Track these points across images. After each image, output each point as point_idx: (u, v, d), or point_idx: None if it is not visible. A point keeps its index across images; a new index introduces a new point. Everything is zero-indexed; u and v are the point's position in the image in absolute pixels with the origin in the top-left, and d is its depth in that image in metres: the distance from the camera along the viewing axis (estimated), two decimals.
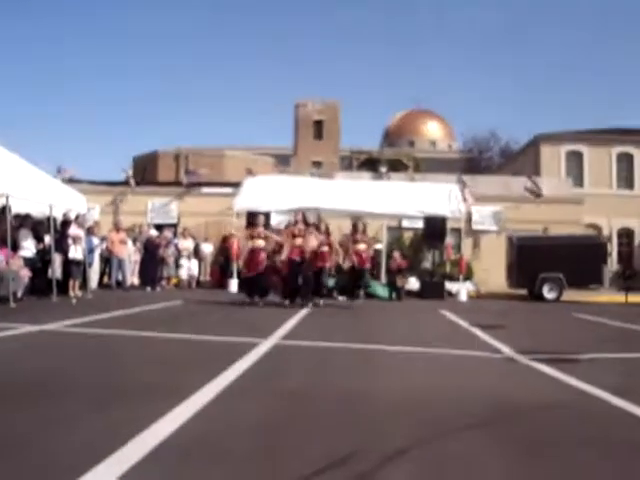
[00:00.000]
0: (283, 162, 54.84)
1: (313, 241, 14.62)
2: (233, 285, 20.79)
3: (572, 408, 4.72)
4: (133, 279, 21.17)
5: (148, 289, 20.11)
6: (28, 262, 13.94)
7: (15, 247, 13.60)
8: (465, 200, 22.12)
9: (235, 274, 21.12)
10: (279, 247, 15.08)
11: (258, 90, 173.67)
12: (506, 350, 7.86)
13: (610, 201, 36.51)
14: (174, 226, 26.71)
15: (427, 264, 25.27)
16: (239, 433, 3.74)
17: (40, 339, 7.91)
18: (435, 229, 20.97)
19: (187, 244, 23.66)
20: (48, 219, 14.62)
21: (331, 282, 17.82)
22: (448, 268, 23.62)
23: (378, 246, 21.14)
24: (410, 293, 20.98)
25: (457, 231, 24.56)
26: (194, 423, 3.86)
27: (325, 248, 14.96)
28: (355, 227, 16.03)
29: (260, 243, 14.74)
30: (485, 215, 29.55)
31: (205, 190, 29.27)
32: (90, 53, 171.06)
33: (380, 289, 19.96)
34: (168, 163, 44.07)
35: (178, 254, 22.86)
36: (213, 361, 6.30)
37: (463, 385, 5.67)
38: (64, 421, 3.85)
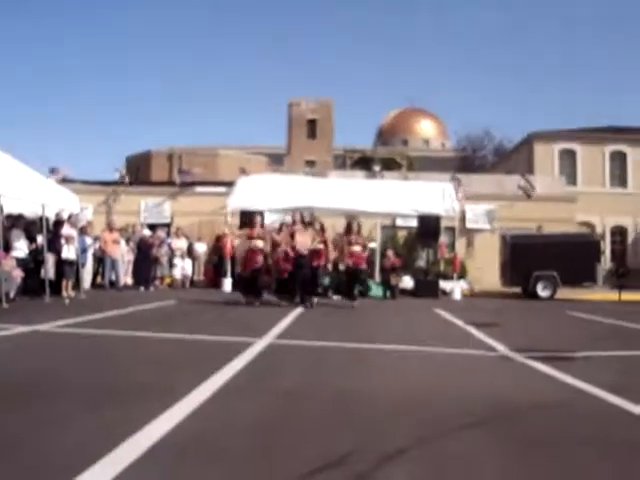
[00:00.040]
0: (277, 161, 54.81)
1: (308, 240, 14.59)
2: (227, 284, 20.76)
3: (569, 406, 4.70)
4: (126, 279, 21.10)
5: (141, 289, 20.04)
6: (21, 262, 13.87)
7: (7, 247, 13.54)
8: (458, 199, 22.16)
9: (229, 273, 21.09)
10: (274, 247, 15.03)
11: (251, 89, 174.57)
12: (501, 348, 7.85)
13: (603, 199, 36.60)
14: (167, 226, 26.63)
15: (421, 263, 25.29)
16: (234, 433, 3.70)
17: (33, 339, 7.86)
18: (429, 228, 20.98)
19: (180, 244, 23.60)
20: (41, 219, 14.55)
21: (326, 281, 17.80)
22: (442, 267, 23.62)
23: (372, 245, 21.10)
24: (404, 292, 21.00)
25: (451, 230, 24.59)
26: (189, 423, 3.82)
27: (320, 246, 14.93)
28: (349, 228, 16.00)
29: (258, 244, 14.72)
30: (479, 214, 29.61)
31: (198, 189, 29.23)
32: (87, 53, 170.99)
33: (374, 288, 19.95)
34: (161, 163, 44.02)
35: (171, 254, 22.81)
36: (207, 361, 6.26)
37: (459, 384, 5.65)
38: (57, 422, 3.81)
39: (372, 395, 4.88)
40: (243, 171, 28.18)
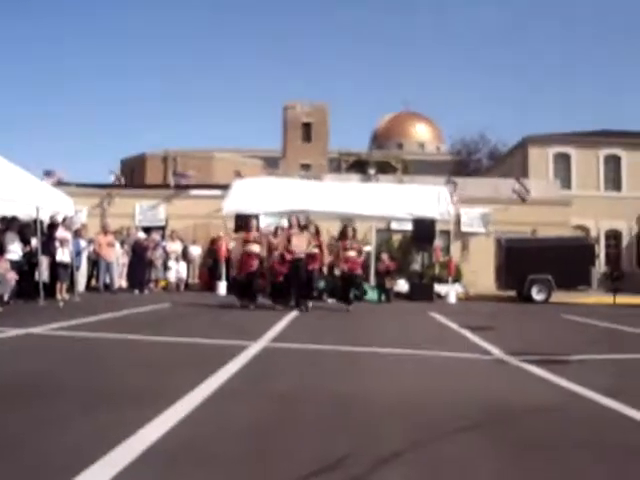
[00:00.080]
0: (272, 164, 54.84)
1: (304, 243, 14.57)
2: (222, 287, 20.73)
3: (564, 410, 4.70)
4: (121, 282, 21.06)
5: (136, 292, 19.99)
6: (15, 265, 13.82)
7: (1, 250, 13.51)
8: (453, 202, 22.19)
9: (224, 276, 21.07)
10: (270, 250, 15.02)
11: (247, 92, 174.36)
12: (496, 352, 7.85)
13: (598, 203, 36.68)
14: (162, 228, 26.64)
15: (416, 266, 25.26)
16: (229, 437, 3.69)
17: (27, 342, 7.84)
18: (424, 231, 20.96)
19: (175, 246, 23.58)
20: (35, 222, 14.50)
21: (321, 284, 17.79)
22: (437, 270, 23.66)
23: (367, 248, 21.10)
24: (399, 295, 21.02)
25: (446, 233, 24.57)
26: (183, 427, 3.81)
27: (315, 250, 14.92)
28: (344, 233, 16.00)
29: (255, 248, 14.71)
30: (474, 217, 29.65)
31: (193, 192, 29.21)
32: (85, 53, 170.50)
33: (369, 291, 19.94)
34: (156, 165, 44.03)
35: (166, 257, 22.77)
36: (202, 364, 6.24)
37: (454, 387, 5.65)
38: (52, 424, 3.79)
39: (367, 398, 4.87)
40: (238, 174, 28.19)
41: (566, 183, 37.06)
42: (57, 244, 15.50)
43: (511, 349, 7.90)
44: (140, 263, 20.98)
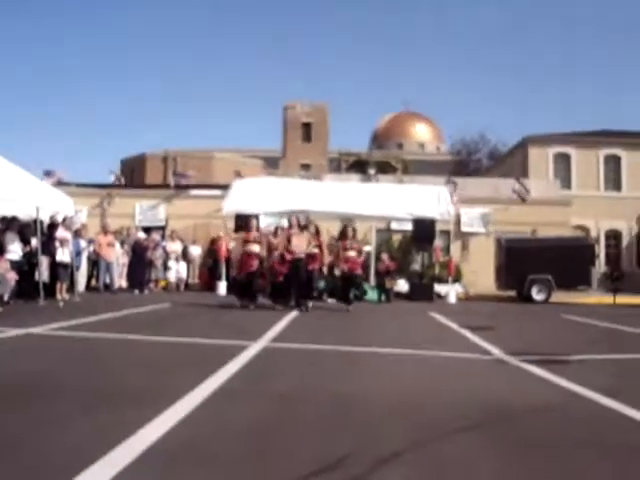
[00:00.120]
0: (272, 164, 54.84)
1: (304, 243, 14.57)
2: (222, 287, 20.73)
3: (565, 410, 4.70)
4: (121, 282, 21.06)
5: (136, 292, 19.99)
6: (15, 265, 13.81)
7: (1, 250, 13.50)
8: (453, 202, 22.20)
9: (224, 276, 21.06)
10: (270, 250, 15.02)
11: (247, 91, 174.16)
12: (496, 352, 7.84)
13: (598, 203, 36.68)
14: (162, 228, 26.64)
15: (416, 266, 25.25)
16: (229, 437, 3.69)
17: (27, 342, 7.83)
18: (424, 231, 20.95)
19: (175, 246, 23.57)
20: (35, 222, 14.50)
21: (321, 284, 17.79)
22: (437, 270, 23.66)
23: (367, 248, 21.10)
24: (399, 295, 21.02)
25: (446, 233, 24.56)
26: (183, 427, 3.80)
27: (315, 250, 14.91)
28: (344, 233, 15.99)
29: (255, 248, 14.71)
30: (474, 217, 29.65)
31: (193, 192, 29.21)
32: (85, 54, 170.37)
33: (369, 291, 19.93)
34: (156, 165, 44.04)
35: (166, 257, 22.77)
36: (202, 364, 6.24)
37: (454, 387, 5.64)
38: (53, 424, 3.79)
39: (367, 398, 4.87)
40: (238, 174, 28.17)
41: (566, 183, 37.06)
42: (57, 244, 15.50)
43: (511, 349, 7.90)
44: (140, 263, 20.98)
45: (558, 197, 31.42)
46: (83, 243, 18.79)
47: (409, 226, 22.10)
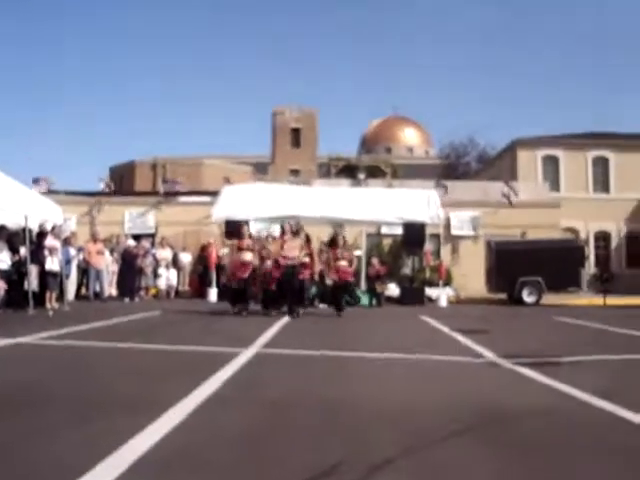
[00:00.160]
0: (261, 170, 54.83)
1: (296, 250, 14.56)
2: (212, 294, 20.69)
3: (559, 412, 4.69)
4: (111, 290, 20.98)
5: (126, 300, 19.92)
6: (3, 274, 13.76)
7: None
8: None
9: (214, 283, 21.02)
10: (262, 258, 14.98)
11: (235, 98, 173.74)
12: (488, 354, 7.84)
13: (586, 205, 36.79)
14: (152, 236, 26.55)
15: (407, 270, 25.29)
16: (221, 445, 3.66)
17: (16, 352, 7.78)
18: (414, 235, 20.98)
19: (165, 254, 23.50)
20: (24, 230, 14.43)
21: (313, 290, 17.77)
22: (428, 274, 23.69)
23: (357, 253, 21.12)
24: (390, 299, 21.03)
25: (436, 237, 24.65)
26: (175, 435, 3.78)
27: (306, 259, 14.93)
28: (335, 241, 15.99)
29: (248, 257, 14.65)
30: (463, 220, 29.70)
31: (183, 199, 29.17)
32: (73, 63, 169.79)
33: (360, 296, 19.93)
34: (145, 173, 43.96)
35: (156, 264, 22.69)
36: (194, 371, 6.21)
37: (447, 390, 5.63)
38: (40, 434, 3.75)
39: (360, 405, 4.85)
40: (227, 181, 28.16)
41: (555, 185, 37.15)
42: (46, 253, 15.41)
43: (503, 352, 7.90)
44: (130, 271, 20.90)
45: (547, 199, 31.51)
46: (72, 251, 18.70)
47: (399, 230, 22.12)
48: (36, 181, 28.17)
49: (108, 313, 13.74)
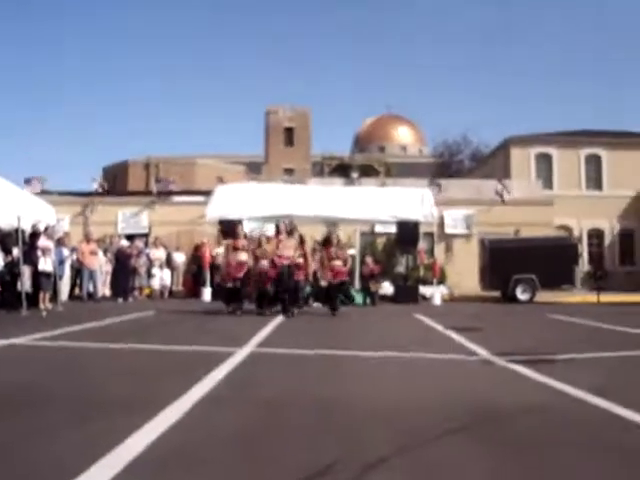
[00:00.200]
0: (254, 169, 54.75)
1: (291, 250, 14.55)
2: (206, 294, 20.67)
3: (554, 410, 4.69)
4: (104, 290, 20.95)
5: (120, 300, 19.88)
6: None
7: None
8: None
9: (208, 283, 21.00)
10: (256, 258, 14.95)
11: (228, 98, 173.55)
12: (482, 352, 7.84)
13: (580, 202, 36.88)
14: (145, 236, 26.52)
15: (401, 269, 25.31)
16: (216, 444, 3.65)
17: (10, 353, 7.75)
18: (408, 234, 21.00)
19: (159, 254, 23.47)
20: (16, 231, 14.38)
21: (307, 289, 17.76)
22: (422, 272, 23.70)
23: (351, 251, 21.12)
24: (384, 298, 21.02)
25: (430, 235, 24.62)
26: (171, 435, 3.78)
27: (300, 260, 14.94)
28: (329, 240, 15.98)
29: (243, 257, 14.62)
30: (457, 219, 29.74)
31: (176, 199, 29.14)
32: (67, 63, 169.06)
33: (354, 295, 19.94)
34: (138, 172, 43.85)
35: (150, 264, 22.67)
36: (189, 371, 6.20)
37: (441, 389, 5.63)
38: (37, 434, 3.74)
39: (355, 404, 4.84)
40: (221, 180, 28.13)
41: (548, 183, 37.23)
42: (39, 253, 15.36)
43: (497, 349, 7.91)
44: (123, 271, 20.87)
45: (540, 197, 31.58)
46: (66, 252, 18.67)
47: (393, 229, 22.14)
48: (28, 181, 28.09)
49: (102, 313, 13.71)
